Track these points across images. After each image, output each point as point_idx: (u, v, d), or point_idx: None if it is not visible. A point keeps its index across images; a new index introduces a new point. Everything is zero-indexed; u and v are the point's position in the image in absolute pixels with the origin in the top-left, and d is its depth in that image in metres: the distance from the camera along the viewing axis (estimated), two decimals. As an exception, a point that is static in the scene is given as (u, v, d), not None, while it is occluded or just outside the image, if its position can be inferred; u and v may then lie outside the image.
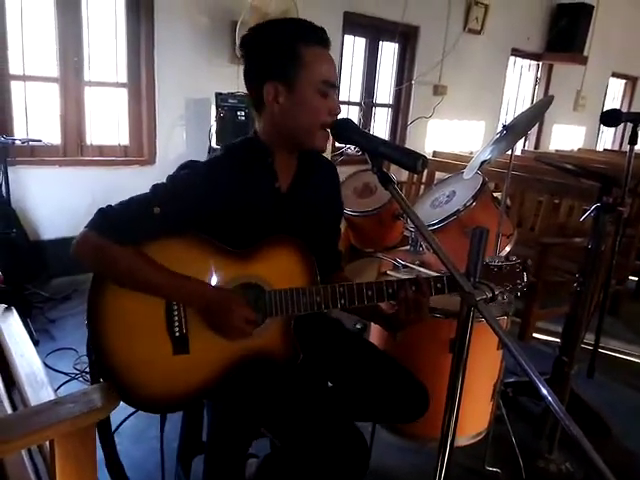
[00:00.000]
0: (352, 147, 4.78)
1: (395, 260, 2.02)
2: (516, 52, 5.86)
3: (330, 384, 1.44)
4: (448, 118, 5.46)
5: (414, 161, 1.01)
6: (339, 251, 1.51)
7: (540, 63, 6.39)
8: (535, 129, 6.76)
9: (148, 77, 3.47)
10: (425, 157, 1.02)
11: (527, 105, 6.30)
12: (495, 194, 4.59)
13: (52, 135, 3.26)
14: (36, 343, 2.46)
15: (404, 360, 1.41)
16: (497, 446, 1.86)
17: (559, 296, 3.06)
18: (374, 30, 4.69)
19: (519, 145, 6.73)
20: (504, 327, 1.71)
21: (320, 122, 1.17)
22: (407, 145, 5.20)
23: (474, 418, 1.70)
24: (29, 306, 2.59)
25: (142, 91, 3.50)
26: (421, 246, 2.27)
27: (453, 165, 4.01)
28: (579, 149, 6.91)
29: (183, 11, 3.46)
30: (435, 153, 5.30)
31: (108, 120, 3.48)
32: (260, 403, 1.22)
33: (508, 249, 2.08)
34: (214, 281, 1.17)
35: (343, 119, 1.16)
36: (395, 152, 1.05)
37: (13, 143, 2.56)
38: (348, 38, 4.50)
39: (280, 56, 1.15)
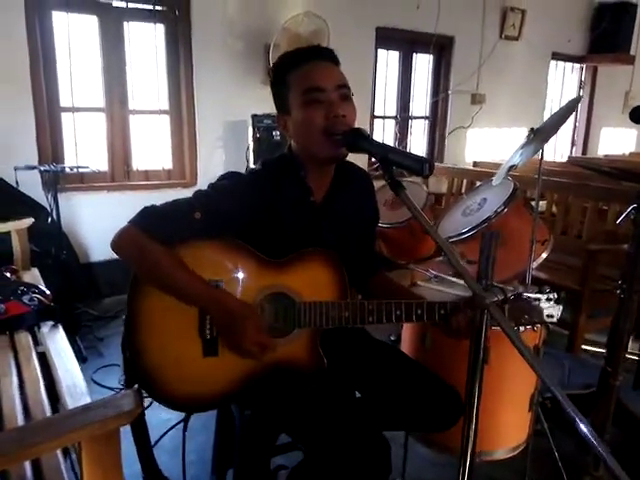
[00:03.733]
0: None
1: (427, 271, 2.01)
2: (557, 56, 5.71)
3: (358, 394, 1.45)
4: (488, 127, 5.37)
5: (420, 165, 1.01)
6: (375, 253, 1.54)
7: (584, 66, 6.19)
8: (582, 134, 6.53)
9: (188, 103, 3.63)
10: (431, 161, 1.03)
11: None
12: (540, 202, 4.46)
13: (100, 162, 3.45)
14: (84, 360, 2.59)
15: (435, 369, 1.40)
16: (539, 461, 1.78)
17: (608, 305, 2.92)
18: (407, 43, 4.71)
19: (566, 151, 6.52)
20: (540, 336, 1.66)
21: (319, 130, 1.18)
22: (446, 156, 5.16)
23: (511, 430, 1.65)
24: (77, 324, 2.73)
25: (183, 116, 3.66)
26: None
27: (494, 175, 3.93)
28: (630, 153, 6.60)
29: (219, 38, 3.61)
30: (475, 163, 5.22)
31: (152, 146, 3.66)
32: (285, 410, 1.24)
33: (544, 255, 2.02)
34: (246, 288, 1.21)
35: (353, 129, 1.18)
36: (403, 158, 1.06)
37: (63, 171, 2.74)
38: (381, 52, 4.54)
39: (277, 91, 1.26)
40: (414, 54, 4.82)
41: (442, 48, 4.88)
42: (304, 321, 1.21)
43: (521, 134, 5.74)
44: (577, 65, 6.18)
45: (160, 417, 1.87)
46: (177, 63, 3.59)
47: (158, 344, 1.20)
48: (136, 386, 1.20)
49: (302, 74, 1.22)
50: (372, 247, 1.53)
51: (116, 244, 1.16)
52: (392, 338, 2.63)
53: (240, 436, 1.35)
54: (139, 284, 1.19)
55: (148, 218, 1.15)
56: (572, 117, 6.18)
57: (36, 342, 1.82)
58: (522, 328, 1.57)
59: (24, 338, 1.80)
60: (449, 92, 4.97)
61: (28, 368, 1.61)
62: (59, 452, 1.18)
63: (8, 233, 2.44)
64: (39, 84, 3.06)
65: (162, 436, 1.89)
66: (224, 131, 3.71)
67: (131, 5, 3.37)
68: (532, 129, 1.85)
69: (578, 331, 2.84)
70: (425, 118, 5.10)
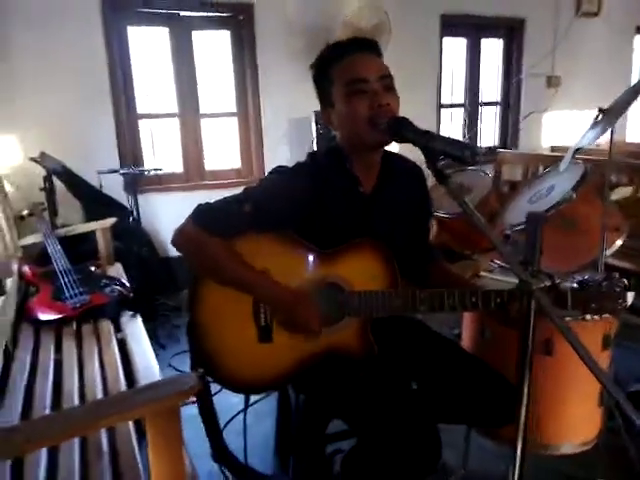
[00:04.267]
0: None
1: (491, 262, 1.96)
2: (644, 29, 5.29)
3: (415, 386, 1.45)
4: (567, 110, 5.07)
5: (462, 152, 1.00)
6: (431, 246, 1.53)
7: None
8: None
9: (254, 104, 3.75)
10: (475, 147, 1.01)
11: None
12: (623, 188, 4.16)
13: (175, 164, 3.68)
14: (163, 347, 2.78)
15: (494, 362, 1.37)
16: (612, 458, 1.69)
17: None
18: (475, 28, 4.56)
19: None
20: (611, 328, 1.57)
21: (364, 120, 1.20)
22: (521, 142, 4.94)
23: (580, 424, 1.57)
24: (155, 314, 2.93)
25: (250, 117, 3.79)
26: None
27: (574, 160, 3.72)
28: None
29: (282, 37, 3.70)
30: (553, 148, 4.96)
31: (222, 147, 3.83)
32: (338, 395, 1.27)
33: (619, 243, 1.91)
34: (297, 278, 1.25)
35: (397, 118, 1.18)
36: (445, 145, 1.04)
37: (141, 173, 2.94)
38: (447, 40, 4.43)
39: (320, 86, 1.29)
40: (482, 39, 4.66)
41: (512, 31, 4.68)
42: (354, 310, 1.24)
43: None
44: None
45: (231, 401, 1.97)
46: (243, 66, 3.73)
47: (217, 331, 1.28)
48: (201, 370, 1.29)
49: (345, 66, 1.23)
50: (426, 240, 1.52)
51: (174, 240, 1.25)
52: (455, 332, 2.58)
53: (296, 420, 1.41)
54: (199, 276, 1.28)
55: (202, 215, 1.22)
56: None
57: (117, 329, 1.99)
58: (589, 317, 1.51)
59: (106, 326, 1.97)
60: (521, 76, 4.75)
61: (108, 352, 1.77)
62: (132, 426, 1.30)
63: (93, 232, 2.67)
64: (118, 94, 3.31)
65: (231, 419, 2.00)
66: (289, 128, 3.80)
67: (198, 14, 3.54)
68: (600, 109, 1.75)
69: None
70: (496, 104, 4.92)
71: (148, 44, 3.50)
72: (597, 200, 1.91)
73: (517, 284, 1.12)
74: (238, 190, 1.28)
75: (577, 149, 1.73)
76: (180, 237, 1.24)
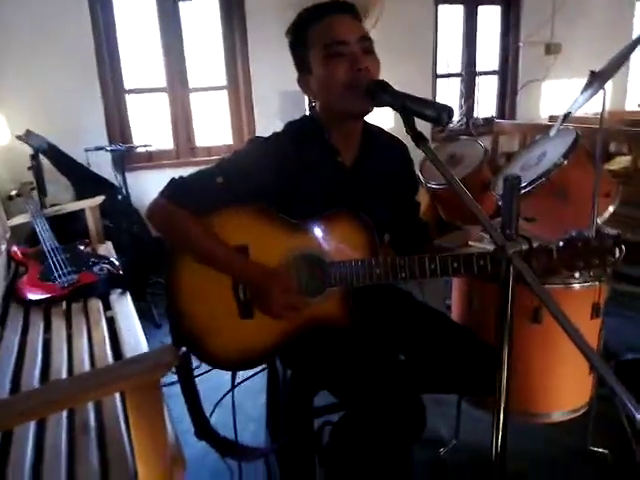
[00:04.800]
0: (454, 122, 4.62)
1: (481, 231, 1.93)
2: (645, -7, 5.14)
3: (403, 357, 1.44)
4: (566, 78, 4.96)
5: (438, 113, 0.97)
6: (423, 223, 1.50)
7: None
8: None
9: (245, 77, 3.67)
10: (450, 108, 0.97)
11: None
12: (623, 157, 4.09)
13: (165, 140, 3.62)
14: (158, 326, 2.78)
15: (483, 331, 1.34)
16: (605, 427, 1.69)
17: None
18: (471, -5, 4.44)
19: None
20: (600, 295, 1.55)
21: (342, 84, 1.16)
22: (518, 112, 4.86)
23: (569, 392, 1.57)
24: (144, 292, 2.91)
25: (240, 90, 3.72)
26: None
27: (584, 129, 3.65)
28: None
29: (272, 8, 3.59)
30: (551, 118, 4.87)
31: (213, 122, 3.77)
32: (324, 366, 1.26)
33: (611, 209, 1.87)
34: (276, 252, 1.22)
35: (375, 81, 1.13)
36: (421, 107, 1.00)
37: (129, 150, 2.90)
38: (443, 8, 4.31)
39: (297, 52, 1.23)
40: (479, 6, 4.54)
41: (510, -5, 4.55)
42: (335, 280, 1.22)
43: (606, 84, 5.26)
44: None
45: (224, 378, 1.98)
46: (232, 37, 3.64)
47: (197, 308, 1.26)
48: (184, 348, 1.28)
49: (322, 28, 1.18)
50: (416, 215, 1.49)
51: (148, 215, 1.23)
52: (448, 302, 2.57)
53: (284, 393, 1.40)
54: (175, 252, 1.25)
55: (174, 188, 1.20)
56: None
57: (107, 308, 1.98)
58: (577, 285, 1.49)
59: (95, 304, 1.96)
60: (520, 44, 4.64)
61: (97, 330, 1.76)
62: (118, 402, 1.29)
63: (82, 210, 2.64)
64: (104, 68, 3.24)
65: (223, 397, 2.00)
66: (280, 102, 3.73)
67: (185, -17, 3.45)
68: (592, 72, 1.70)
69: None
70: (494, 73, 4.81)
71: (134, 16, 3.40)
72: (589, 166, 1.87)
73: (493, 249, 1.09)
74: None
75: (567, 114, 1.68)
76: (153, 212, 1.22)
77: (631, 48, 1.58)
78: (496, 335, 1.03)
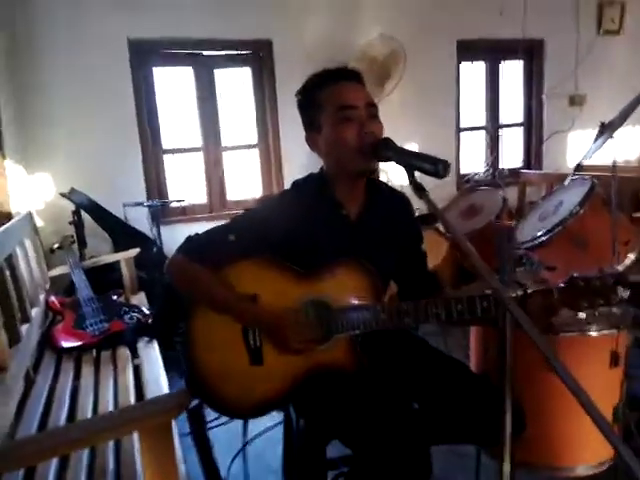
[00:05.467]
0: (480, 173, 4.67)
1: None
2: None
3: (417, 405, 1.44)
4: (591, 128, 4.97)
5: (435, 167, 1.03)
6: (431, 273, 1.52)
7: None
8: None
9: (274, 136, 3.87)
10: (446, 162, 1.04)
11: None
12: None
13: (199, 196, 3.81)
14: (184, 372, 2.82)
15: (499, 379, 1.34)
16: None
17: None
18: (493, 51, 4.58)
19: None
20: (619, 343, 1.51)
21: (354, 147, 1.24)
22: (545, 163, 4.87)
23: (593, 444, 1.51)
24: (172, 342, 2.96)
25: (270, 149, 3.91)
26: (538, 265, 2.13)
27: (605, 178, 3.64)
28: None
29: (299, 71, 3.79)
30: (579, 168, 4.86)
31: (244, 178, 3.95)
32: (334, 414, 1.27)
33: (632, 257, 1.86)
34: (285, 300, 1.27)
35: (381, 139, 1.22)
36: (421, 161, 1.07)
37: (164, 204, 3.07)
38: (465, 65, 4.47)
39: (307, 111, 1.33)
40: (501, 62, 4.68)
41: (531, 52, 4.67)
42: (342, 325, 1.25)
43: (634, 133, 5.24)
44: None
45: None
46: (263, 101, 3.87)
47: (210, 356, 1.30)
48: (197, 400, 1.32)
49: (334, 93, 1.28)
50: (423, 266, 1.51)
51: (166, 269, 1.32)
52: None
53: (297, 442, 1.41)
54: (192, 304, 1.32)
55: (190, 245, 1.30)
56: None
57: (135, 356, 2.05)
58: (595, 333, 1.47)
59: (123, 352, 2.04)
60: (543, 96, 4.72)
61: (123, 377, 1.83)
62: (136, 443, 1.33)
63: (118, 262, 2.78)
64: (144, 130, 3.49)
65: (243, 447, 2.02)
66: (307, 159, 3.82)
67: (220, 53, 3.72)
68: (602, 123, 1.75)
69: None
70: (519, 125, 4.88)
71: (173, 83, 3.69)
72: (605, 214, 1.88)
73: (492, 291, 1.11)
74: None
75: (579, 164, 1.71)
76: (170, 266, 1.31)
77: (637, 101, 1.63)
78: (497, 377, 1.03)
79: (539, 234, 1.92)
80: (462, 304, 1.20)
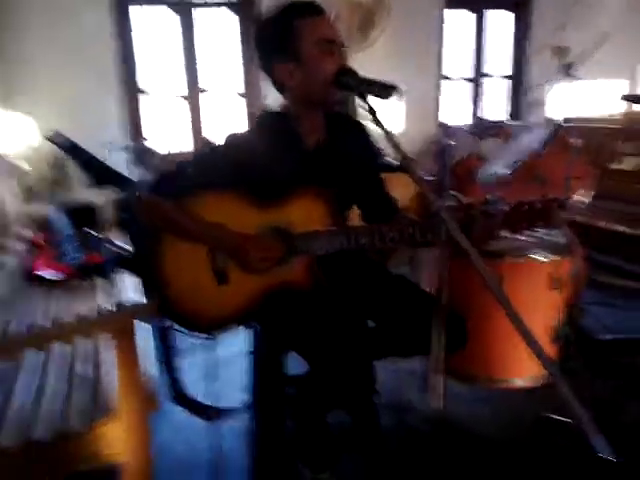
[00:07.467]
0: (464, 124, 4.68)
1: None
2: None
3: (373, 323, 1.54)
4: (578, 81, 4.97)
5: (386, 91, 1.10)
6: (390, 198, 1.59)
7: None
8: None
9: (262, 86, 3.81)
10: (396, 85, 1.10)
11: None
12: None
13: (186, 143, 3.82)
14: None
15: (451, 300, 1.43)
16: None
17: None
18: (479, 0, 4.53)
19: None
20: (559, 268, 1.61)
21: (331, 79, 1.29)
22: (528, 115, 4.89)
23: (530, 360, 1.63)
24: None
25: (257, 98, 3.88)
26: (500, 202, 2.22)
27: (588, 130, 3.68)
28: None
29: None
30: (566, 120, 4.88)
31: (229, 126, 3.95)
32: (293, 327, 1.38)
33: (588, 194, 1.94)
34: (247, 228, 1.36)
35: (346, 68, 1.28)
36: (373, 86, 1.15)
37: (146, 149, 3.07)
38: (449, 12, 4.41)
39: (281, 37, 1.32)
40: (487, 11, 4.62)
41: (519, 2, 4.63)
42: (301, 248, 1.34)
43: (621, 86, 5.24)
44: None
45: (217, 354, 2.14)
46: (250, 48, 3.81)
47: (179, 279, 1.40)
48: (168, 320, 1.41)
49: (315, 24, 1.32)
50: (382, 190, 1.58)
51: (134, 205, 1.41)
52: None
53: (256, 354, 1.52)
54: (158, 232, 1.40)
55: (158, 181, 1.43)
56: None
57: (113, 286, 2.13)
58: (540, 257, 1.56)
59: (101, 282, 2.13)
60: (530, 48, 4.70)
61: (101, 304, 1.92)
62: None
63: (98, 202, 2.83)
64: (124, 72, 3.48)
65: (217, 365, 2.14)
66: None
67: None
68: (565, 64, 1.80)
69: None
70: (504, 77, 4.88)
71: (154, 26, 3.64)
72: (566, 155, 1.96)
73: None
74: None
75: (539, 100, 1.77)
76: (138, 201, 1.40)
77: (600, 43, 1.67)
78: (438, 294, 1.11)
79: (502, 172, 1.99)
80: (414, 227, 1.29)
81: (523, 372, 1.62)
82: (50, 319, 1.77)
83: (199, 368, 2.10)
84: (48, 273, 2.19)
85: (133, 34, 3.54)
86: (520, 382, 1.62)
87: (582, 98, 5.01)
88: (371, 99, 1.15)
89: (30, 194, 2.83)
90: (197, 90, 3.82)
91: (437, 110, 4.49)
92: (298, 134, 1.41)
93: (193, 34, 3.71)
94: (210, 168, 1.38)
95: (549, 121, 1.98)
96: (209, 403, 1.74)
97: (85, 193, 3.15)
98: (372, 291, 1.50)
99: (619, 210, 2.79)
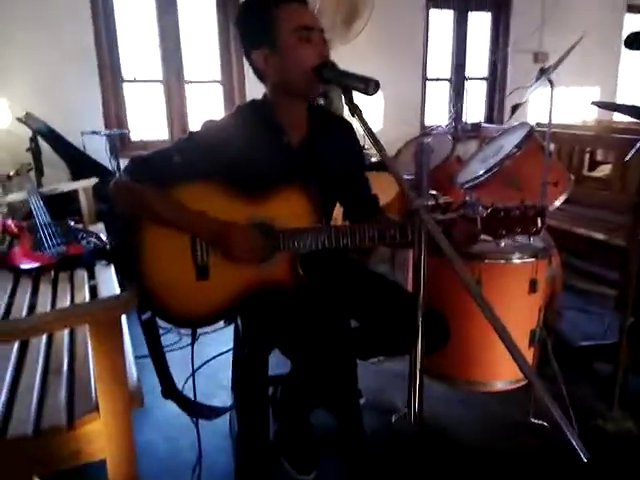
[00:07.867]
0: (442, 125, 4.76)
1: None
2: (633, 8, 5.28)
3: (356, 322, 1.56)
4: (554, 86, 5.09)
5: (366, 86, 1.09)
6: (373, 196, 1.59)
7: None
8: None
9: (239, 72, 3.83)
10: (376, 81, 1.09)
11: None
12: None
13: (161, 130, 3.79)
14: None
15: (432, 300, 1.46)
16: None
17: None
18: (462, 0, 4.59)
19: None
20: (537, 271, 1.66)
21: (312, 68, 1.25)
22: (506, 118, 5.00)
23: (508, 363, 1.69)
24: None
25: (234, 86, 3.88)
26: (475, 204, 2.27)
27: (560, 135, 3.78)
28: None
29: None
30: (539, 124, 5.00)
31: (207, 114, 3.93)
32: (275, 326, 1.38)
33: (563, 198, 2.01)
34: (228, 220, 1.31)
35: (327, 62, 1.25)
36: (355, 81, 1.12)
37: (122, 135, 3.05)
38: (434, 12, 4.47)
39: (259, 22, 1.30)
40: (469, 12, 4.69)
41: (499, 4, 4.71)
42: (284, 245, 1.31)
43: (593, 93, 5.39)
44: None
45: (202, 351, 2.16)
46: (228, 35, 3.80)
47: (158, 271, 1.34)
48: (149, 312, 1.40)
49: (293, 11, 1.28)
50: (365, 190, 1.58)
51: (111, 190, 1.32)
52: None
53: (240, 354, 1.53)
54: (138, 220, 1.33)
55: (134, 166, 1.32)
56: None
57: (92, 278, 2.12)
58: (516, 261, 1.62)
59: (80, 274, 2.10)
60: (508, 51, 4.79)
61: (80, 295, 1.90)
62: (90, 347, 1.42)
63: (76, 192, 2.79)
64: (103, 56, 3.42)
65: (200, 366, 2.16)
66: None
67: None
68: (541, 69, 1.85)
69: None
70: (483, 79, 4.97)
71: (133, 9, 3.57)
72: (540, 158, 2.01)
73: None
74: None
75: (516, 106, 1.83)
76: (115, 186, 1.32)
77: (571, 49, 1.73)
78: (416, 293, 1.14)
79: (478, 174, 2.04)
80: (395, 228, 1.29)
81: (502, 375, 1.67)
82: (26, 309, 1.80)
83: (180, 365, 2.11)
84: (25, 263, 2.16)
85: (115, 17, 3.49)
86: (499, 385, 1.67)
87: (556, 103, 5.15)
88: (355, 95, 1.13)
89: (5, 181, 2.76)
90: (176, 77, 3.79)
91: (418, 110, 4.54)
92: (279, 125, 1.38)
93: (175, 19, 3.67)
94: (193, 155, 1.33)
95: (524, 124, 2.02)
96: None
97: (63, 181, 3.09)
98: (353, 290, 1.51)
99: (600, 218, 2.90)
